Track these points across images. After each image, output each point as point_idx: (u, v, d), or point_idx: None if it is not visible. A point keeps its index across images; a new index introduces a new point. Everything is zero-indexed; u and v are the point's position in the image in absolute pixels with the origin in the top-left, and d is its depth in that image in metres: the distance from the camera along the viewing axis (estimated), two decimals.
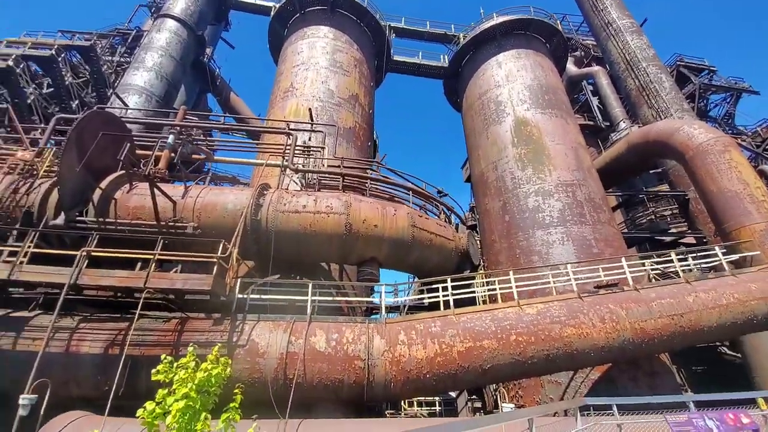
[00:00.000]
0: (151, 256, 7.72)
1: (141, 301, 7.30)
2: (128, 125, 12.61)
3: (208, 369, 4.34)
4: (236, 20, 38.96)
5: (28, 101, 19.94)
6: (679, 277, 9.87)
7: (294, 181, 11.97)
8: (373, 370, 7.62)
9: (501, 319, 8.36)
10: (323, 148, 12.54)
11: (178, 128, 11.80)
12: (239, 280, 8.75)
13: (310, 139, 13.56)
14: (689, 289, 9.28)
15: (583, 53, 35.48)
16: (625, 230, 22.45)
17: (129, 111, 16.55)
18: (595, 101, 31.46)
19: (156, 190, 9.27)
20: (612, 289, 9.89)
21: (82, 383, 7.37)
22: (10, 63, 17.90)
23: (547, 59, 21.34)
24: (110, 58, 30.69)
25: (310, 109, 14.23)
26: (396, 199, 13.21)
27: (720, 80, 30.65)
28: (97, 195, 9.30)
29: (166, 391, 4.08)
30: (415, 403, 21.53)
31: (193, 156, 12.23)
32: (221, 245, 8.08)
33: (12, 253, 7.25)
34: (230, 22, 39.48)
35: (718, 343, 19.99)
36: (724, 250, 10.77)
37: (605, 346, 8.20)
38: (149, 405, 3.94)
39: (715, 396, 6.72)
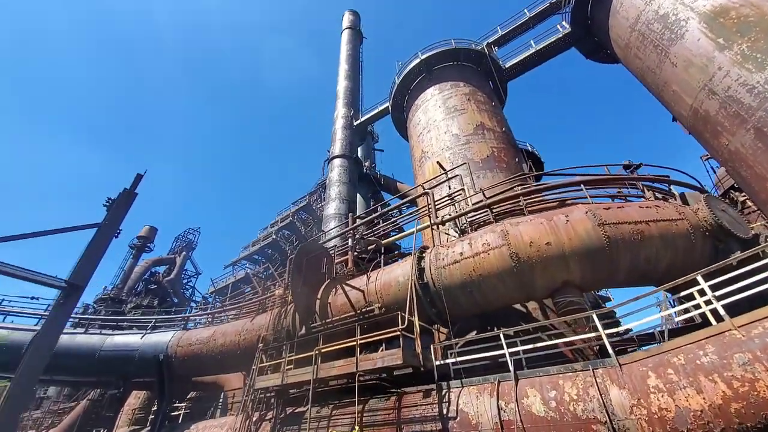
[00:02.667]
0: (355, 343, 9.09)
1: (356, 384, 8.44)
2: (326, 245, 16.71)
3: None
4: (378, 127, 47.84)
5: (289, 255, 30.16)
6: None
7: (446, 234, 11.94)
8: None
9: None
10: (462, 189, 12.25)
11: (352, 232, 14.63)
12: (432, 347, 8.83)
13: (450, 188, 13.66)
14: None
15: None
16: None
17: (326, 234, 22.01)
18: None
19: (347, 287, 11.34)
20: None
21: None
22: (273, 236, 28.24)
23: None
24: (320, 204, 43.42)
25: (438, 162, 14.69)
26: (568, 202, 10.74)
27: None
28: (317, 304, 12.23)
29: None
30: None
31: (368, 247, 14.54)
32: (399, 317, 8.64)
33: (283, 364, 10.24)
34: (375, 135, 48.92)
35: None
36: None
37: None
38: None
39: None
